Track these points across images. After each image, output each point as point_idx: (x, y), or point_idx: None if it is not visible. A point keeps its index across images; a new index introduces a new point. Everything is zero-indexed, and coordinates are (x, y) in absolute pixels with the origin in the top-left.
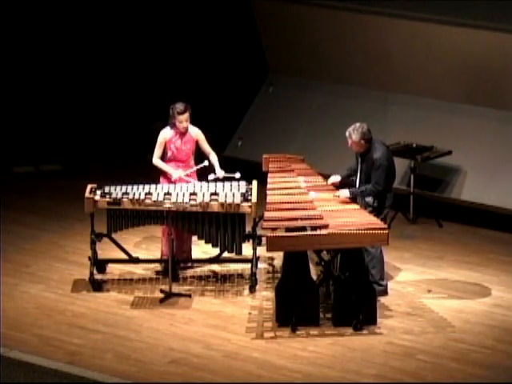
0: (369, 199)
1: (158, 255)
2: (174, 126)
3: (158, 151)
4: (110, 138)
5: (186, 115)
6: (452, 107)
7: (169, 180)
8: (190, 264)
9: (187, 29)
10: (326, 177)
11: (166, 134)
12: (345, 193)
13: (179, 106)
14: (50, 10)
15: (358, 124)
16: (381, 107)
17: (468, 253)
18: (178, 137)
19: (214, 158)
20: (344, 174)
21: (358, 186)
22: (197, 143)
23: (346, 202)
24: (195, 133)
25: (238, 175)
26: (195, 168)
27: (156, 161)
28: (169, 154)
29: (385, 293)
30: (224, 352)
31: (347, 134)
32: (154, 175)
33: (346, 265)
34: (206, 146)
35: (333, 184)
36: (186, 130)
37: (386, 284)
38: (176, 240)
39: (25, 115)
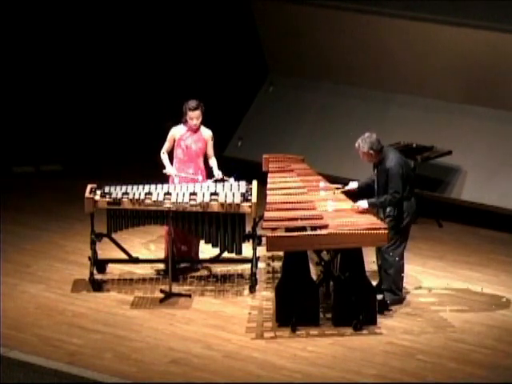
0: (388, 209)
1: (157, 255)
2: (186, 124)
3: (166, 145)
4: (110, 137)
5: (198, 112)
6: (452, 107)
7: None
8: (190, 264)
9: (187, 29)
10: (330, 178)
11: (176, 130)
12: (363, 204)
13: (191, 103)
14: (52, 9)
15: (366, 134)
16: (381, 107)
17: (468, 253)
18: (189, 135)
19: (213, 162)
20: (363, 182)
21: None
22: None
23: (347, 202)
24: (207, 134)
25: (232, 180)
26: (188, 175)
27: (162, 155)
28: (179, 151)
29: (400, 302)
30: (224, 352)
31: (356, 145)
32: (154, 175)
33: (345, 265)
34: (210, 150)
35: (349, 190)
36: (198, 128)
37: (401, 294)
38: (185, 241)
39: (25, 115)
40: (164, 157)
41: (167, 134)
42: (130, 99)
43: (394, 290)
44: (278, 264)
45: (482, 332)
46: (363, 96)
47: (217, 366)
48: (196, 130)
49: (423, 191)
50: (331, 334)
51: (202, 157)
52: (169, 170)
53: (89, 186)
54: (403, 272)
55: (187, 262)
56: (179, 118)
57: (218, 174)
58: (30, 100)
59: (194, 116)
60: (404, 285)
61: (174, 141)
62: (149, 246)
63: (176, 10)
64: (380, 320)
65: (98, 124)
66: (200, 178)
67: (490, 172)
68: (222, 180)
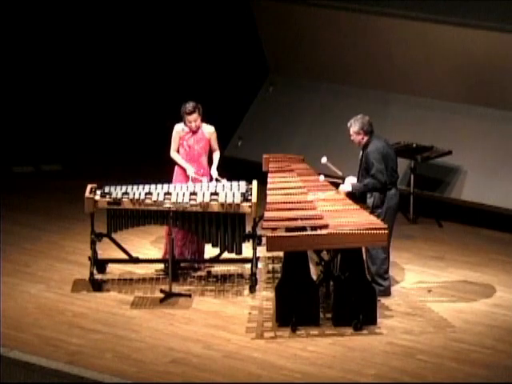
0: (369, 201)
1: (157, 255)
2: (186, 123)
3: (173, 145)
4: (110, 137)
5: (195, 115)
6: (452, 107)
7: (181, 180)
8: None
9: (188, 29)
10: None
11: (179, 129)
12: (347, 187)
13: (188, 107)
14: (52, 9)
15: (359, 115)
16: (381, 107)
17: (468, 253)
18: (191, 135)
19: (216, 156)
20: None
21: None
22: (209, 141)
23: (346, 202)
24: (209, 131)
25: (224, 181)
26: (198, 177)
27: (173, 154)
28: (181, 151)
29: (386, 293)
30: (224, 352)
31: (348, 124)
32: (154, 175)
33: (345, 265)
34: (214, 144)
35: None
36: (198, 128)
37: (386, 285)
38: (189, 242)
39: (24, 115)
40: (177, 156)
41: (168, 133)
42: (130, 99)
43: (378, 282)
44: (277, 264)
45: (482, 332)
46: (363, 96)
47: (217, 366)
48: (197, 131)
49: (423, 191)
50: (331, 334)
51: (205, 155)
52: (190, 169)
53: (89, 186)
54: (387, 264)
55: (187, 261)
56: (179, 117)
57: (214, 173)
58: (29, 100)
59: (192, 119)
60: (404, 285)
61: (180, 138)
62: (149, 246)
63: (176, 10)
64: (380, 320)
65: (98, 124)
66: (204, 179)
67: (490, 172)
68: (216, 180)
